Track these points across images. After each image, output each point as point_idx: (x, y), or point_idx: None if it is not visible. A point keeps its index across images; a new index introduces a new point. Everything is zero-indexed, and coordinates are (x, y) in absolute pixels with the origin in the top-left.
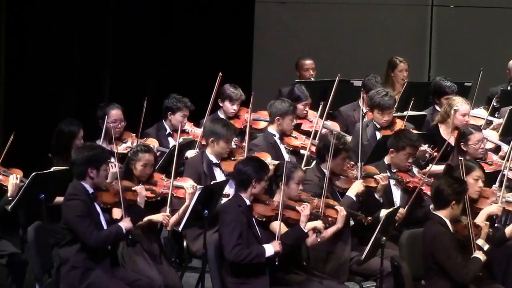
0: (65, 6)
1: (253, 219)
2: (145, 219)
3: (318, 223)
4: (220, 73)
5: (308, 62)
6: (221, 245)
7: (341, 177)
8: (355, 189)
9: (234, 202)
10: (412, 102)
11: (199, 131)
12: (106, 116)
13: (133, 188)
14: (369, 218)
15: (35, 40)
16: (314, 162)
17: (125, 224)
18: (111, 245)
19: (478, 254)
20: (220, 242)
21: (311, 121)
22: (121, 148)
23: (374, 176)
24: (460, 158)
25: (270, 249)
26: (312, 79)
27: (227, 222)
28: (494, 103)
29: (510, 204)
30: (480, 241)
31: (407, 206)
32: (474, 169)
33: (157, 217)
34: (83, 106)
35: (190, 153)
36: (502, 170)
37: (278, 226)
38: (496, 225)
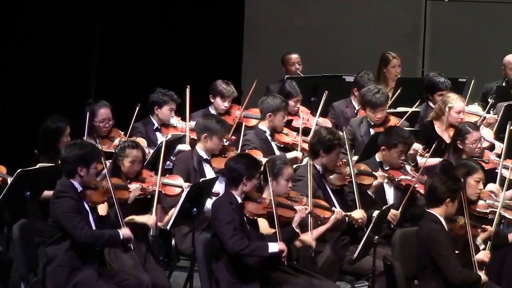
0: (51, 3)
1: (244, 217)
2: (128, 218)
3: (309, 240)
4: (188, 86)
5: (294, 56)
6: (217, 241)
7: (334, 173)
8: (355, 215)
9: (225, 199)
10: (419, 101)
11: (187, 125)
12: (94, 115)
13: (131, 185)
14: (359, 220)
15: (22, 37)
16: (306, 158)
17: (125, 232)
18: (101, 247)
19: (482, 275)
20: (215, 240)
21: (302, 118)
22: (110, 146)
23: (375, 173)
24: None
25: (275, 246)
26: (299, 73)
27: (221, 217)
28: (489, 100)
29: (507, 211)
30: (477, 241)
31: (401, 206)
32: (476, 171)
33: (141, 219)
34: (70, 102)
35: (182, 147)
36: (500, 170)
37: (266, 228)
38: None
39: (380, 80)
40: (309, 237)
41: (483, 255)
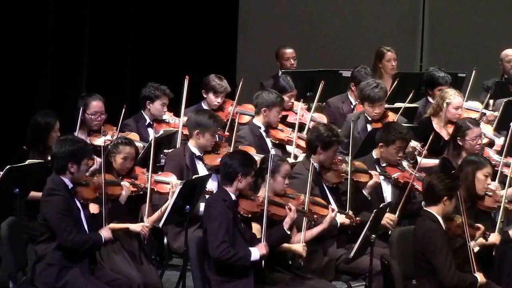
0: None
1: (238, 215)
2: (123, 226)
3: (300, 249)
4: (187, 77)
5: (289, 51)
6: (206, 241)
7: (331, 170)
8: (343, 221)
9: (219, 196)
10: (411, 95)
11: (179, 121)
12: (86, 107)
13: (122, 183)
14: (357, 218)
15: (8, 29)
16: (302, 155)
17: (106, 233)
18: (86, 251)
19: (479, 276)
20: (205, 238)
21: (297, 113)
22: (100, 141)
23: (370, 172)
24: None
25: (256, 253)
26: (294, 69)
27: (213, 217)
28: (488, 97)
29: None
30: (471, 243)
31: (399, 208)
32: (485, 165)
33: (135, 227)
34: (58, 97)
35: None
36: (500, 167)
37: (260, 229)
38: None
39: (375, 75)
40: (299, 246)
41: (495, 238)
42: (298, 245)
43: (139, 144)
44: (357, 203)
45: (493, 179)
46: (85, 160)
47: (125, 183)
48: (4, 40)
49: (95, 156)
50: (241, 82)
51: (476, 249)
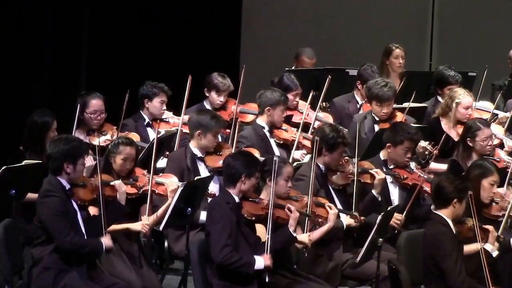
0: None
1: (242, 218)
2: (123, 226)
3: (305, 240)
4: (190, 76)
5: (308, 61)
6: (208, 245)
7: (337, 172)
8: (348, 223)
9: (222, 198)
10: (414, 94)
11: (180, 121)
12: (85, 106)
13: (111, 183)
14: (362, 218)
15: (7, 28)
16: (307, 156)
17: (107, 241)
18: (84, 256)
19: None
20: (207, 242)
21: (302, 113)
22: (100, 141)
23: (370, 171)
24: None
25: (261, 262)
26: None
27: (216, 220)
28: (499, 96)
29: None
30: (488, 246)
31: (406, 208)
32: (491, 173)
33: (135, 226)
34: (58, 97)
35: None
36: (511, 169)
37: (264, 231)
38: None
39: (382, 73)
40: (305, 237)
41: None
42: (303, 235)
43: (140, 143)
44: (367, 205)
45: (503, 181)
46: (81, 159)
47: (116, 182)
48: (4, 39)
49: (93, 156)
50: (242, 71)
51: (495, 254)
